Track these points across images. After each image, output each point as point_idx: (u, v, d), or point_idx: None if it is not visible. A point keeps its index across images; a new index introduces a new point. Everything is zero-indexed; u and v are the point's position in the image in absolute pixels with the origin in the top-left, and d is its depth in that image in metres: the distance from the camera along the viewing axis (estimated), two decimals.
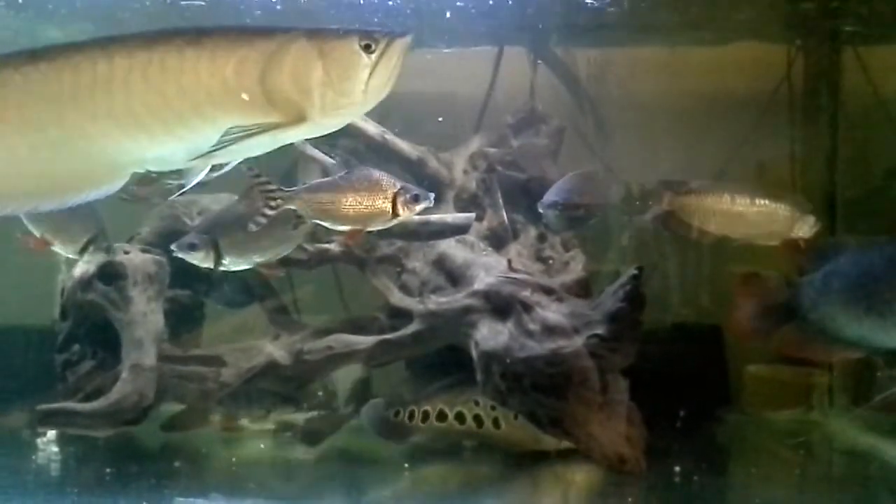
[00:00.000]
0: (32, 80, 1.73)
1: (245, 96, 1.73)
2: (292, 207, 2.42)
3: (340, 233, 2.65)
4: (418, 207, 2.52)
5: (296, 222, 2.48)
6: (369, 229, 2.55)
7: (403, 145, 3.23)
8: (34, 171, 1.79)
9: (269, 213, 2.37)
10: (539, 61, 3.66)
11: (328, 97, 1.75)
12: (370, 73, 1.75)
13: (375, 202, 2.47)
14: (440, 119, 3.50)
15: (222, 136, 1.73)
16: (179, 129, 1.75)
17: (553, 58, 3.69)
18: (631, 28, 3.61)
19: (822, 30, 3.60)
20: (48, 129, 1.74)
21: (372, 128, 3.18)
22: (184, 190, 1.89)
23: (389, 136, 3.19)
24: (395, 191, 2.47)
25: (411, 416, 3.06)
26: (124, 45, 1.72)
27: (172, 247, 2.56)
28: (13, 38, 3.59)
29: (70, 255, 2.75)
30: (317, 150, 3.18)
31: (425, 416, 3.05)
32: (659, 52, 3.80)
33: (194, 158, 1.79)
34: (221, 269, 2.52)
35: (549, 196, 2.93)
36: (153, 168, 1.83)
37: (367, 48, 1.74)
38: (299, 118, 1.76)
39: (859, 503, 2.79)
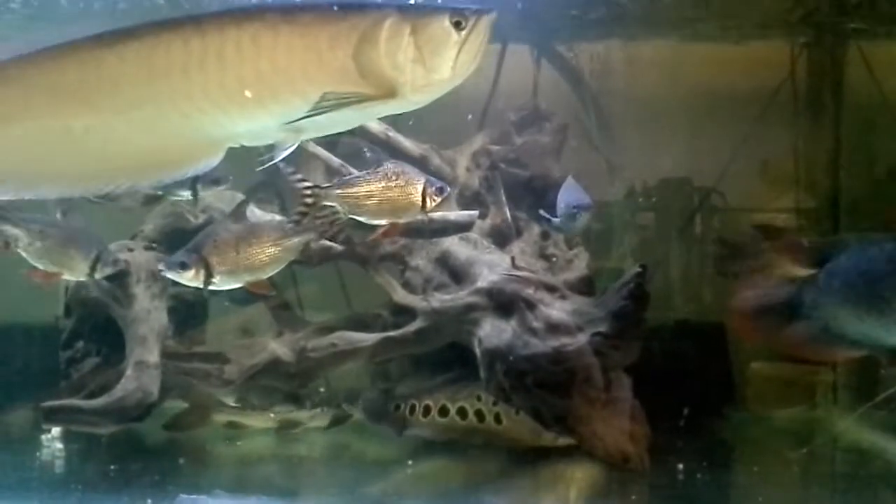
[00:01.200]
0: (127, 60, 1.76)
1: (338, 71, 1.77)
2: (330, 203, 2.43)
3: (372, 229, 2.62)
4: (440, 199, 2.53)
5: (332, 219, 2.47)
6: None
7: (407, 143, 3.23)
8: (133, 149, 1.83)
9: (306, 209, 2.40)
10: (542, 58, 3.66)
11: (418, 73, 1.79)
12: (459, 50, 1.79)
13: (409, 195, 2.47)
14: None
15: (315, 105, 1.77)
16: (272, 104, 1.79)
17: (556, 55, 3.69)
18: (634, 24, 3.60)
19: (826, 27, 3.59)
20: (144, 106, 1.78)
21: (375, 125, 3.18)
22: (270, 164, 1.93)
23: (392, 134, 3.19)
24: (424, 183, 2.49)
25: (412, 409, 3.07)
26: (216, 22, 1.76)
27: (160, 266, 2.53)
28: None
29: (83, 278, 2.74)
30: (320, 149, 3.18)
31: (426, 410, 3.05)
32: (662, 48, 3.80)
33: (285, 131, 1.84)
34: (211, 288, 2.48)
35: (567, 201, 2.92)
36: (246, 142, 1.87)
37: (458, 25, 1.78)
38: (390, 93, 1.80)
39: (863, 501, 2.79)
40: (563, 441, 2.89)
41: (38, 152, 1.82)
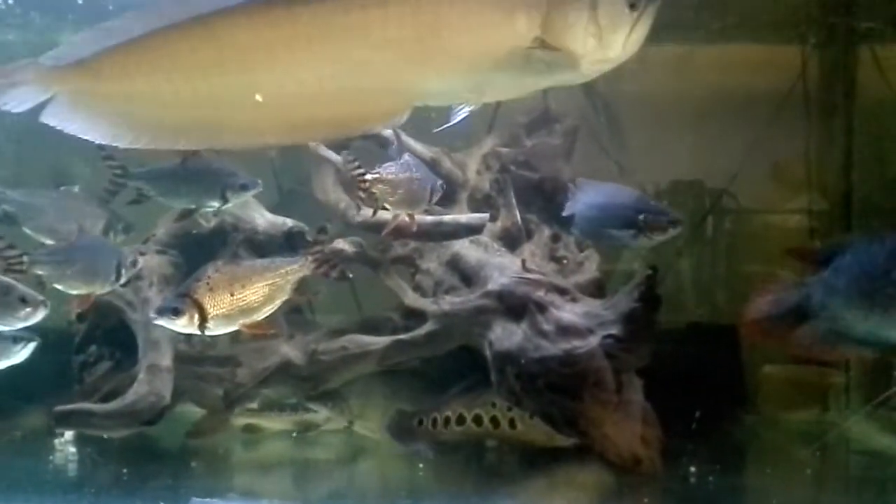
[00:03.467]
0: (323, 18, 1.87)
1: (524, 37, 1.87)
2: (374, 192, 2.51)
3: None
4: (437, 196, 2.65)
5: (327, 257, 2.58)
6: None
7: (417, 146, 3.23)
8: (322, 104, 1.94)
9: (363, 195, 2.49)
10: None
11: (593, 48, 1.90)
12: (630, 30, 1.89)
13: (425, 187, 2.59)
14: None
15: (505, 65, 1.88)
16: (462, 62, 1.90)
17: None
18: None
19: (837, 28, 3.58)
20: (338, 63, 1.89)
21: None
22: (444, 127, 2.04)
23: (403, 137, 3.19)
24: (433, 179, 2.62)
25: (434, 422, 3.07)
26: None
27: (151, 315, 2.44)
28: None
29: (116, 287, 2.76)
30: (330, 151, 3.20)
31: (446, 421, 3.06)
32: (673, 50, 3.79)
33: (470, 91, 1.96)
34: (207, 333, 2.42)
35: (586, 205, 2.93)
36: (432, 102, 1.98)
37: (632, 6, 1.89)
38: (569, 64, 1.90)
39: None
40: (573, 441, 2.88)
41: (228, 105, 1.92)
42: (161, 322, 2.35)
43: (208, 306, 2.35)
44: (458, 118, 2.02)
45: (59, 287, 2.60)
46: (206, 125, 1.97)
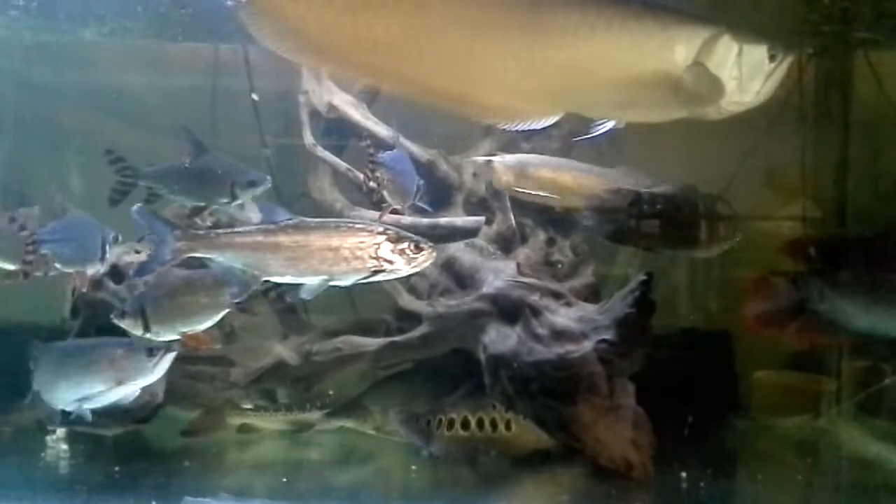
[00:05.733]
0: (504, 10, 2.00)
1: (667, 70, 1.98)
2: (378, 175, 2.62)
3: None
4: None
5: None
6: None
7: (414, 148, 3.24)
8: (485, 87, 2.07)
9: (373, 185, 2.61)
10: None
11: (732, 90, 2.01)
12: (766, 79, 2.00)
13: (414, 181, 2.74)
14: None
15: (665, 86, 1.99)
16: (613, 81, 2.01)
17: None
18: None
19: (833, 37, 3.59)
20: (509, 55, 2.01)
21: (383, 130, 3.19)
22: (582, 138, 2.19)
23: (401, 139, 3.19)
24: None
25: (438, 424, 3.07)
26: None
27: (111, 316, 2.54)
28: None
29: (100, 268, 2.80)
30: (327, 152, 3.20)
31: (450, 424, 3.06)
32: None
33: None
34: (151, 336, 2.50)
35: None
36: (579, 111, 2.14)
37: (772, 57, 2.00)
38: (711, 101, 2.02)
39: None
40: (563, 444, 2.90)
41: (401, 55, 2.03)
42: (115, 322, 2.48)
43: (149, 312, 2.44)
44: (597, 132, 2.12)
45: (58, 266, 2.61)
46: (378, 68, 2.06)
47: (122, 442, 2.98)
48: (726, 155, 3.59)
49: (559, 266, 3.22)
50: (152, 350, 2.48)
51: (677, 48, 1.98)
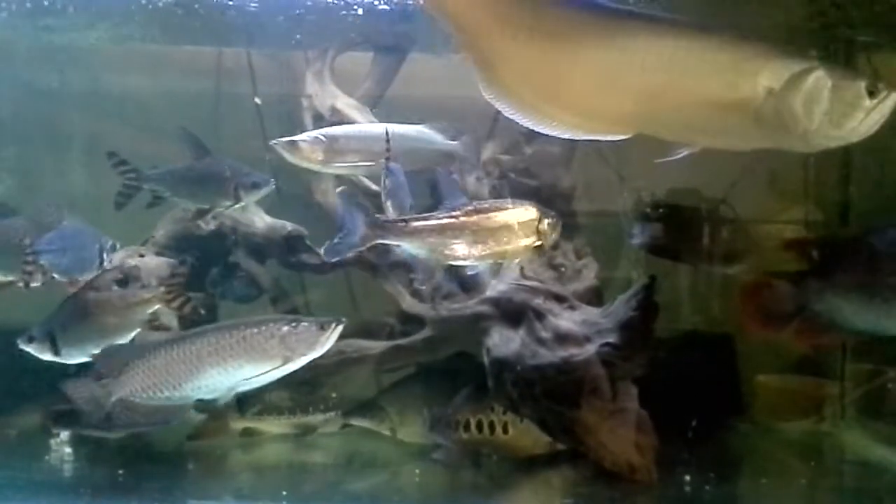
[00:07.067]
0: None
1: (754, 101, 1.97)
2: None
3: None
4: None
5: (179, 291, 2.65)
6: None
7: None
8: (566, 103, 2.08)
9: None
10: None
11: (824, 125, 1.97)
12: (865, 116, 1.96)
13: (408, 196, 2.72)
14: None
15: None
16: (692, 104, 2.01)
17: None
18: None
19: (836, 39, 3.59)
20: (593, 76, 2.06)
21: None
22: (663, 160, 2.17)
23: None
24: None
25: (447, 425, 3.07)
26: (673, 26, 2.02)
27: (18, 341, 2.56)
28: None
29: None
30: None
31: (457, 425, 3.06)
32: None
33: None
34: (61, 359, 2.52)
35: None
36: (656, 133, 2.13)
37: (871, 94, 1.96)
38: (797, 133, 1.99)
39: None
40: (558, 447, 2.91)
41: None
42: (24, 348, 2.50)
43: (59, 335, 2.48)
44: (679, 156, 2.12)
45: (57, 277, 2.62)
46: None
47: (126, 445, 2.98)
48: (729, 158, 3.58)
49: (562, 269, 3.21)
50: (322, 324, 2.43)
51: (761, 78, 1.96)
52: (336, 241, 2.40)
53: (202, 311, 2.77)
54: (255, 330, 2.38)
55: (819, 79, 1.96)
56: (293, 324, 2.39)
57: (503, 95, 2.07)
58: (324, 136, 2.83)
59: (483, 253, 2.38)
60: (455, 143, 2.88)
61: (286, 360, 2.39)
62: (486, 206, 2.43)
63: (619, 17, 2.04)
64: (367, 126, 2.89)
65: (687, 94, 2.00)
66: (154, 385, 2.39)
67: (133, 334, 2.59)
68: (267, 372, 2.40)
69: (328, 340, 2.42)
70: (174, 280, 2.62)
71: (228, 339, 2.37)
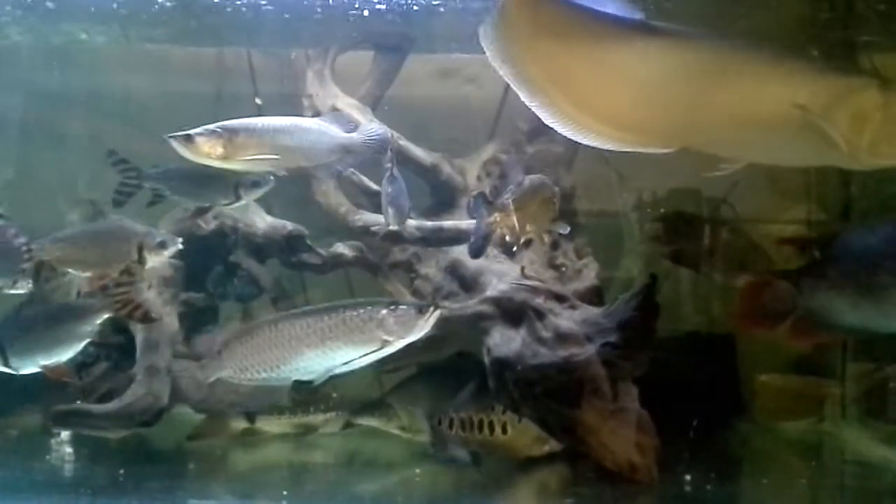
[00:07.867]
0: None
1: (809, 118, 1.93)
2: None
3: None
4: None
5: (128, 297, 2.59)
6: None
7: (418, 151, 3.24)
8: (605, 115, 2.09)
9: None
10: None
11: (879, 141, 1.94)
12: None
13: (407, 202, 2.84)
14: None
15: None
16: (735, 119, 2.00)
17: None
18: None
19: (836, 40, 3.59)
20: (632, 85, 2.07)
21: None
22: (712, 174, 2.17)
23: (403, 142, 3.20)
24: None
25: (450, 424, 3.07)
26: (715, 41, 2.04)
27: None
28: None
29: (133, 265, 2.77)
30: None
31: (457, 424, 3.06)
32: None
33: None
34: (11, 370, 2.49)
35: None
36: (699, 147, 2.13)
37: None
38: (843, 149, 1.95)
39: None
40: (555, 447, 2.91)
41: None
42: None
43: (8, 345, 2.43)
44: (725, 172, 2.12)
45: (72, 272, 2.61)
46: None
47: (127, 445, 2.99)
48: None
49: (563, 269, 3.21)
50: (421, 307, 2.42)
51: (810, 94, 1.94)
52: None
53: (154, 317, 2.75)
54: (355, 313, 2.37)
55: (872, 97, 1.93)
56: (392, 307, 2.39)
57: (548, 106, 2.09)
58: (222, 128, 2.62)
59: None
60: (352, 135, 2.82)
61: (384, 344, 2.39)
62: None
63: (662, 34, 2.03)
64: (267, 119, 2.78)
65: (732, 109, 1.99)
66: (253, 366, 2.38)
67: (83, 345, 2.57)
68: (365, 355, 2.40)
69: (427, 324, 2.40)
70: (119, 289, 2.57)
71: (328, 321, 2.36)
